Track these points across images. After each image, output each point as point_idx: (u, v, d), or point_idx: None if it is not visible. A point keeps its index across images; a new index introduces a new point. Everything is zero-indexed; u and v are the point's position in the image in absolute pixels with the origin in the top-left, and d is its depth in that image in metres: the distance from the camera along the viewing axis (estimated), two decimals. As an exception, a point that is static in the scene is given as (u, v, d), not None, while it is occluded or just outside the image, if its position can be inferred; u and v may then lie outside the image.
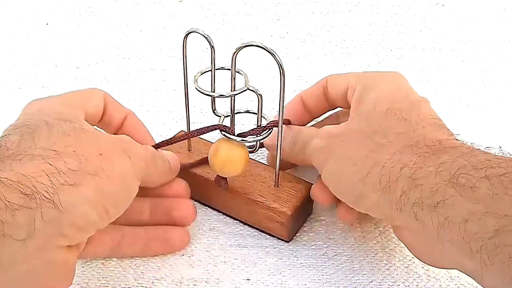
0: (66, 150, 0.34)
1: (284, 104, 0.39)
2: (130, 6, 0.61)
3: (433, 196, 0.32)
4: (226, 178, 0.43)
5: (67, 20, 0.61)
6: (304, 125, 0.45)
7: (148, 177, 0.39)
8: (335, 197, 0.40)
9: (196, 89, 0.39)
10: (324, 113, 0.46)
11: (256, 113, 0.42)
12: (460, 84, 0.59)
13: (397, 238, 0.44)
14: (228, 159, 0.41)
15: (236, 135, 0.41)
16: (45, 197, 0.31)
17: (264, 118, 0.42)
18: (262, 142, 0.44)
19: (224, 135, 0.41)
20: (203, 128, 0.41)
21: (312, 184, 0.44)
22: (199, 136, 0.46)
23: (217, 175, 0.43)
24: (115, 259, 0.42)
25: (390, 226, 0.44)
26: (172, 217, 0.42)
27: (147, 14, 0.61)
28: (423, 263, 0.42)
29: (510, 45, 0.61)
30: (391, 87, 0.40)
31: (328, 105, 0.45)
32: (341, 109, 0.46)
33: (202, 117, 0.55)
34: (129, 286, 0.40)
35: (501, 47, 0.61)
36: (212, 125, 0.41)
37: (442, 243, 0.32)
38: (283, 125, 0.41)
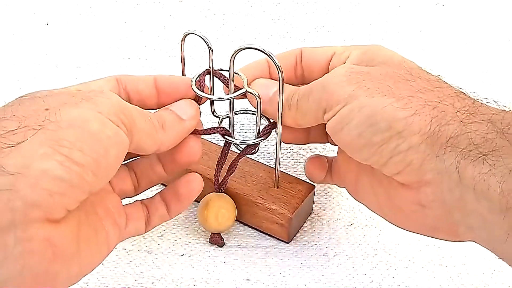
0: (5, 115, 0.30)
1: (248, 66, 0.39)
2: (130, 6, 0.61)
3: (483, 144, 0.30)
4: (220, 234, 0.44)
5: (67, 20, 0.61)
6: None
7: (140, 128, 0.34)
8: (325, 172, 0.39)
9: (195, 91, 0.39)
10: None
11: (255, 113, 0.42)
12: (460, 84, 0.59)
13: (397, 239, 0.44)
14: (220, 210, 0.43)
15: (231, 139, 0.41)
16: None
17: (263, 119, 0.42)
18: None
19: (226, 139, 0.41)
20: (205, 129, 0.41)
21: (312, 184, 0.45)
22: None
23: (212, 234, 0.44)
24: (114, 259, 0.42)
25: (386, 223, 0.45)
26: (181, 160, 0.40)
27: (147, 14, 0.61)
28: (423, 263, 0.42)
29: (510, 45, 0.61)
30: (392, 53, 0.38)
31: (294, 78, 0.42)
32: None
33: (202, 117, 0.55)
34: (129, 286, 0.40)
35: (501, 47, 0.61)
36: (213, 128, 0.41)
37: (477, 198, 0.30)
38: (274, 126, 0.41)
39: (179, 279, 0.41)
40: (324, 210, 0.47)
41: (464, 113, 0.32)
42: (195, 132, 0.39)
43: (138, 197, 0.40)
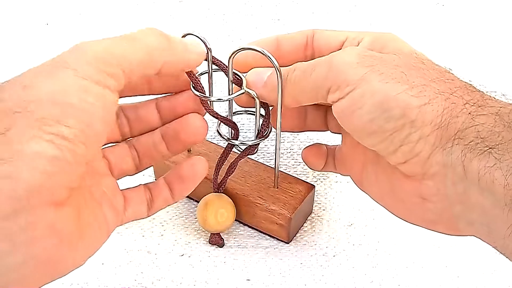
0: None
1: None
2: (130, 6, 0.61)
3: (490, 137, 0.30)
4: (220, 235, 0.44)
5: (67, 20, 0.61)
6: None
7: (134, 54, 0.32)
8: (324, 160, 0.39)
9: (193, 92, 0.39)
10: (292, 63, 0.41)
11: (254, 113, 0.42)
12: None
13: (397, 239, 0.44)
14: (219, 210, 0.43)
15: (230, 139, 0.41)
16: None
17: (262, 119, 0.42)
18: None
19: (227, 140, 0.41)
20: (216, 113, 0.40)
21: (312, 184, 0.45)
22: None
23: (212, 234, 0.44)
24: (114, 259, 0.42)
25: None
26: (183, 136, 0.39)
27: (147, 14, 0.61)
28: (423, 263, 0.42)
29: (510, 45, 0.61)
30: (404, 43, 0.37)
31: (303, 57, 0.41)
32: None
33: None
34: (129, 286, 0.40)
35: (501, 47, 0.61)
36: (225, 117, 0.41)
37: (481, 191, 0.30)
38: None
39: (179, 279, 0.41)
40: (324, 210, 0.47)
41: (472, 105, 0.31)
42: (206, 106, 0.39)
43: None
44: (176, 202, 0.39)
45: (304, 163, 0.43)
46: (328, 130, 0.43)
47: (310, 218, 0.46)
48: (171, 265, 0.42)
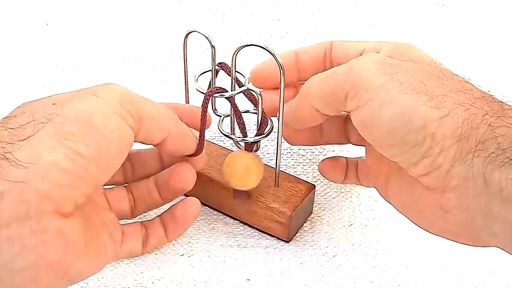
0: (16, 113, 0.32)
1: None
2: (130, 6, 0.61)
3: (511, 149, 0.30)
4: (244, 191, 0.43)
5: (67, 20, 0.61)
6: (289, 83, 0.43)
7: (147, 118, 0.35)
8: (343, 174, 0.40)
9: (197, 89, 0.39)
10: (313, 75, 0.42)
11: (256, 113, 0.42)
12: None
13: (397, 239, 0.44)
14: (248, 170, 0.41)
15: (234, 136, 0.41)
16: (3, 157, 0.29)
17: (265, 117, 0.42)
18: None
19: (227, 135, 0.41)
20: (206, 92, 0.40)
21: (312, 184, 0.45)
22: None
23: (235, 190, 0.43)
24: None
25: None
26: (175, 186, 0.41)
27: (147, 14, 0.61)
28: (423, 263, 0.42)
29: (510, 45, 0.61)
30: (422, 52, 0.37)
31: (322, 68, 0.41)
32: None
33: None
34: (129, 286, 0.40)
35: (501, 47, 0.61)
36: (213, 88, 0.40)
37: (504, 203, 0.30)
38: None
39: (179, 279, 0.41)
40: (324, 210, 0.47)
41: (492, 116, 0.31)
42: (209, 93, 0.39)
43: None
44: (170, 241, 0.42)
45: (303, 164, 0.43)
46: (348, 142, 0.43)
47: (310, 218, 0.46)
48: (171, 265, 0.42)
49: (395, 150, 0.33)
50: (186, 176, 0.40)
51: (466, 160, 0.31)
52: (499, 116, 0.31)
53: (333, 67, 0.39)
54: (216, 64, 0.40)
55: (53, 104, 0.32)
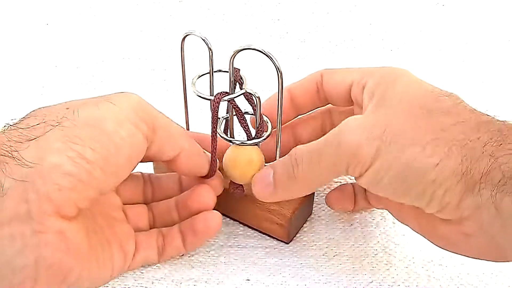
0: (29, 115, 0.32)
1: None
2: (130, 6, 0.61)
3: None
4: (241, 185, 0.42)
5: (67, 20, 0.61)
6: (288, 121, 0.44)
7: (161, 132, 0.35)
8: (352, 202, 0.40)
9: (195, 93, 0.38)
10: (312, 109, 0.44)
11: (253, 114, 0.42)
12: (460, 84, 0.59)
13: (397, 239, 0.44)
14: (251, 161, 0.40)
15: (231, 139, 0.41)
16: (10, 155, 0.29)
17: (264, 119, 0.42)
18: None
19: (226, 139, 0.41)
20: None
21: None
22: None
23: (232, 183, 0.42)
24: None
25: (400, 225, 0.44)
26: (195, 206, 0.40)
27: (147, 14, 0.61)
28: (423, 263, 0.42)
29: (510, 45, 0.61)
30: (413, 79, 0.37)
31: (318, 102, 0.42)
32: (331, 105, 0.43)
33: (202, 117, 0.55)
34: (129, 286, 0.40)
35: (501, 47, 0.61)
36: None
37: None
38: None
39: (179, 279, 0.41)
40: (324, 210, 0.47)
41: (492, 145, 0.31)
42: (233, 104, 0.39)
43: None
44: (188, 252, 0.41)
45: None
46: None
47: (310, 218, 0.46)
48: (171, 265, 0.42)
49: (404, 200, 0.34)
50: (204, 196, 0.40)
51: (474, 191, 0.31)
52: (500, 144, 0.31)
53: (326, 98, 0.41)
54: (213, 71, 0.40)
55: (67, 108, 0.32)
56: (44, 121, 0.31)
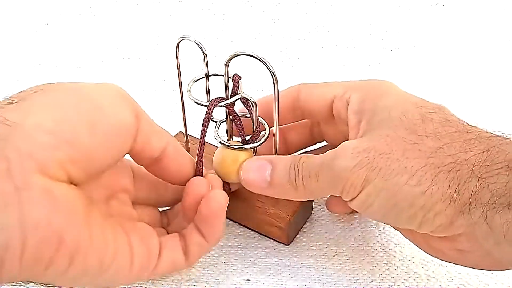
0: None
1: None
2: (130, 6, 0.61)
3: (506, 194, 0.31)
4: (228, 183, 0.42)
5: (67, 20, 0.61)
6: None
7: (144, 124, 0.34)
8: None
9: (190, 98, 0.38)
10: (289, 123, 0.44)
11: (249, 117, 0.41)
12: (460, 84, 0.59)
13: (396, 239, 0.44)
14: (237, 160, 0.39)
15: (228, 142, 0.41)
16: None
17: (261, 123, 0.41)
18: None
19: (224, 143, 0.41)
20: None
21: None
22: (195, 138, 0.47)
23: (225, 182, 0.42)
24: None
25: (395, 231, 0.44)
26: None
27: (147, 14, 0.61)
28: (423, 263, 0.42)
29: (510, 45, 0.61)
30: (398, 93, 0.38)
31: (295, 117, 0.43)
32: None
33: (201, 119, 0.55)
34: (129, 286, 0.40)
35: (501, 47, 0.61)
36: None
37: (510, 244, 0.31)
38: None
39: (179, 279, 0.41)
40: (324, 210, 0.47)
41: (480, 166, 0.31)
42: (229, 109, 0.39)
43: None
44: (212, 245, 0.38)
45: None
46: None
47: (310, 218, 0.46)
48: (171, 265, 0.42)
49: (395, 224, 0.35)
50: (217, 201, 0.37)
51: (464, 212, 0.32)
52: (487, 165, 0.31)
53: (304, 116, 0.42)
54: (209, 75, 0.40)
55: (52, 83, 0.32)
56: (30, 89, 0.32)
